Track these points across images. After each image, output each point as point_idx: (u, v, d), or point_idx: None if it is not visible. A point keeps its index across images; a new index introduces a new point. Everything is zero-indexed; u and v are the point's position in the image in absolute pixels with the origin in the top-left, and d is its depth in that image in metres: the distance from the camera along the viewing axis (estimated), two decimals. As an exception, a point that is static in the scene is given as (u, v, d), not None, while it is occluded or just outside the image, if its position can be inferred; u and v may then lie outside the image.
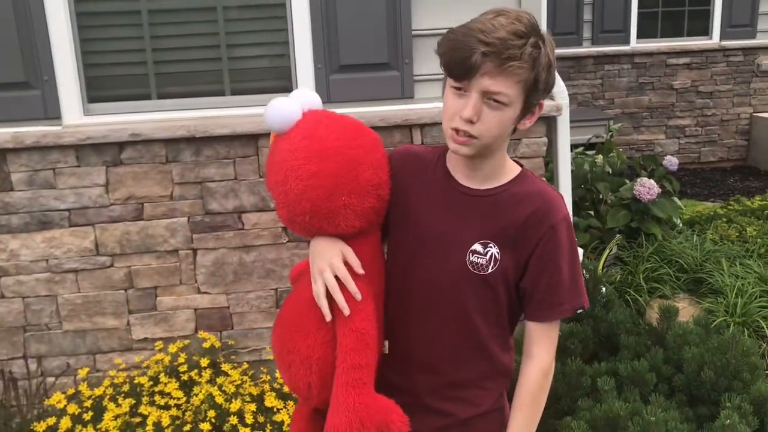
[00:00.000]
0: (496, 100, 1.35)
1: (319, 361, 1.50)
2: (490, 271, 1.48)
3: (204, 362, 3.11)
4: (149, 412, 2.86)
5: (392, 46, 3.22)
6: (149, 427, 2.78)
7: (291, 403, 2.99)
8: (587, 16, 7.73)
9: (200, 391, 2.94)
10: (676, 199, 5.00)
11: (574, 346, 2.94)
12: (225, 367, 3.12)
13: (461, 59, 1.32)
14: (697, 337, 2.93)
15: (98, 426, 2.83)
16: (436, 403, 1.57)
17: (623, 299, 3.97)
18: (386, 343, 1.58)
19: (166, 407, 2.93)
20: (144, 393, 3.01)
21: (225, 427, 2.80)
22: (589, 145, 5.82)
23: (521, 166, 1.57)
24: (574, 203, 3.87)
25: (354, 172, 1.46)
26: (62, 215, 3.19)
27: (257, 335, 3.37)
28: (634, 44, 7.86)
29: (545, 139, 3.38)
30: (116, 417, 2.85)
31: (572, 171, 3.79)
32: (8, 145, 3.08)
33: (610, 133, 5.72)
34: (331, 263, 1.47)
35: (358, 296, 1.46)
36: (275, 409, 2.93)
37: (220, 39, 3.27)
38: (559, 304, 1.51)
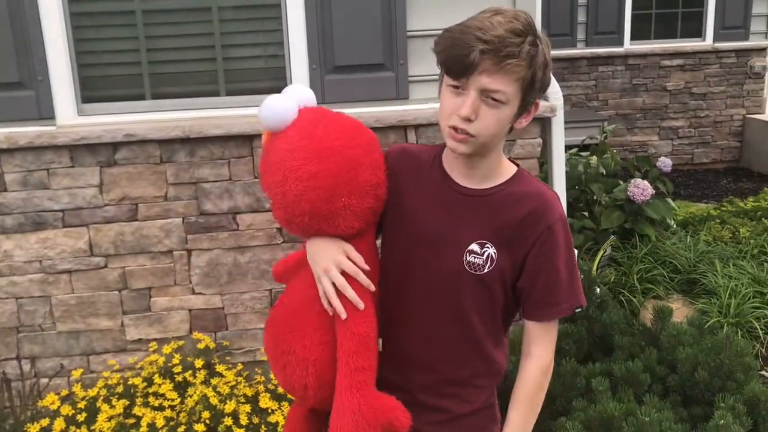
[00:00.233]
0: (494, 98, 1.35)
1: (316, 363, 1.49)
2: (486, 270, 1.48)
3: (198, 363, 3.11)
4: (143, 414, 2.85)
5: (387, 46, 3.22)
6: (143, 429, 2.77)
7: (286, 404, 2.98)
8: (581, 17, 7.75)
9: (195, 392, 2.93)
10: (669, 200, 5.01)
11: (568, 347, 2.95)
12: (219, 368, 3.12)
13: (459, 57, 1.32)
14: (690, 338, 2.94)
15: (92, 427, 2.83)
16: (431, 400, 1.58)
17: (617, 300, 3.99)
18: (379, 341, 1.58)
19: (161, 408, 2.93)
20: (138, 394, 3.01)
21: (219, 429, 2.79)
22: (583, 147, 5.83)
23: (517, 165, 1.57)
24: (569, 204, 3.87)
25: (353, 172, 1.44)
26: (56, 216, 3.19)
27: (252, 336, 3.37)
28: (628, 46, 7.89)
29: (540, 140, 3.39)
30: (110, 418, 2.85)
31: (566, 172, 3.79)
32: (2, 145, 3.07)
33: (604, 135, 5.73)
34: (336, 261, 1.47)
35: (372, 288, 1.48)
36: (270, 410, 2.93)
37: (215, 39, 3.27)
38: (557, 303, 1.52)
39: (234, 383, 3.05)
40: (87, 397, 3.01)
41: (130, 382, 3.08)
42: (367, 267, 1.49)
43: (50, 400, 2.97)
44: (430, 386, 1.58)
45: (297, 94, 1.52)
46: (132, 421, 2.87)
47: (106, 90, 3.28)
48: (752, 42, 7.94)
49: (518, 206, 1.48)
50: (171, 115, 3.24)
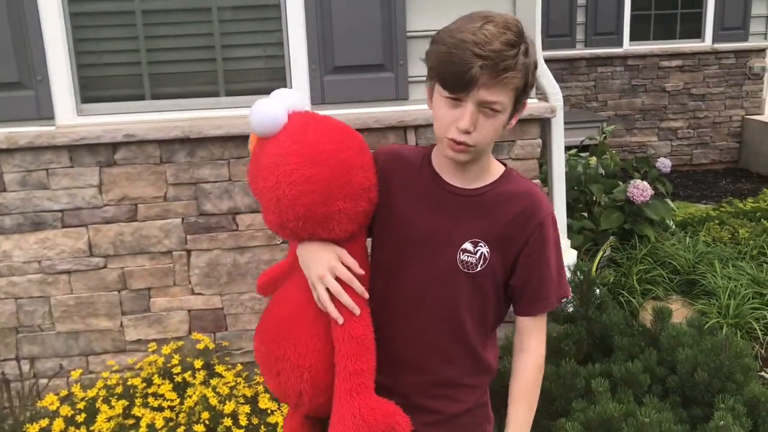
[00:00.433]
0: (492, 109, 1.37)
1: (311, 369, 1.49)
2: (479, 269, 1.49)
3: (198, 364, 3.11)
4: (143, 414, 2.85)
5: (387, 47, 3.22)
6: (143, 429, 2.77)
7: (285, 405, 2.98)
8: (580, 18, 7.75)
9: (194, 393, 2.93)
10: (668, 201, 5.02)
11: (568, 348, 2.94)
12: (219, 368, 3.11)
13: (458, 74, 1.32)
14: (690, 339, 2.94)
15: (91, 428, 2.82)
16: (423, 402, 1.58)
17: (617, 301, 3.99)
18: None
19: (160, 409, 2.92)
20: (137, 395, 3.00)
21: (219, 429, 2.79)
22: (583, 147, 5.84)
23: (504, 165, 1.58)
24: (568, 205, 3.87)
25: (347, 176, 1.44)
26: (55, 216, 3.18)
27: (251, 337, 3.34)
28: (627, 47, 7.90)
29: (539, 141, 3.39)
30: (109, 419, 2.84)
31: (566, 173, 3.80)
32: (1, 145, 3.06)
33: (604, 135, 5.74)
34: (331, 267, 1.46)
35: (366, 295, 1.47)
36: (269, 411, 2.93)
37: (215, 40, 3.27)
38: (548, 298, 1.55)
39: (233, 384, 3.05)
40: (86, 398, 3.01)
41: (129, 383, 3.08)
42: (361, 272, 1.49)
43: (49, 401, 2.97)
44: (421, 387, 1.58)
45: (285, 99, 1.50)
46: (131, 421, 2.87)
47: (106, 90, 3.28)
48: (751, 43, 7.95)
49: (509, 205, 1.50)
50: (171, 115, 3.24)
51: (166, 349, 3.20)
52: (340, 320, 1.45)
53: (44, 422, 2.87)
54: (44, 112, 3.12)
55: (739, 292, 3.91)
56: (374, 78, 3.25)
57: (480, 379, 1.63)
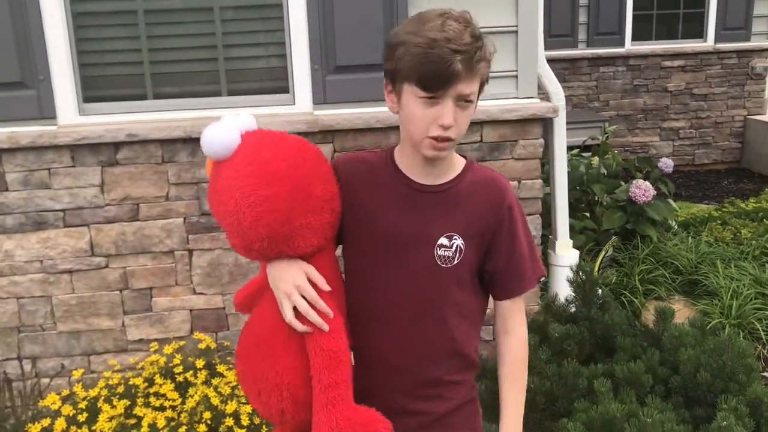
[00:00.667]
0: (466, 101, 1.41)
1: (289, 387, 1.48)
2: (456, 262, 1.52)
3: (199, 363, 3.10)
4: (144, 414, 2.85)
5: (389, 47, 3.21)
6: (144, 429, 2.77)
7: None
8: (582, 18, 7.75)
9: (196, 393, 2.93)
10: (671, 201, 5.01)
11: (570, 348, 2.94)
12: (220, 368, 3.11)
13: (439, 71, 1.34)
14: (692, 339, 2.94)
15: (93, 427, 2.82)
16: (411, 404, 1.58)
17: (619, 301, 3.98)
18: (350, 354, 1.58)
19: (162, 409, 2.92)
20: (139, 394, 3.00)
21: (221, 429, 2.79)
22: (585, 147, 5.83)
23: (464, 157, 1.61)
24: (570, 205, 3.86)
25: (306, 190, 1.43)
26: (57, 216, 3.18)
27: (253, 336, 3.36)
28: (629, 46, 7.89)
29: (542, 141, 3.39)
30: (111, 418, 2.84)
31: (568, 173, 3.79)
32: (3, 145, 3.06)
33: (606, 135, 5.73)
34: (297, 285, 1.46)
35: (331, 314, 1.46)
36: (271, 411, 2.92)
37: (217, 39, 3.27)
38: (524, 278, 1.60)
39: (235, 383, 3.04)
40: (88, 398, 3.00)
41: (131, 383, 3.07)
42: (328, 288, 1.48)
43: (51, 400, 2.96)
44: (407, 389, 1.58)
45: (237, 121, 1.49)
46: (133, 421, 2.87)
47: (108, 90, 3.28)
48: (754, 43, 7.93)
49: (477, 195, 1.54)
50: (172, 115, 3.24)
51: (167, 349, 3.19)
52: (309, 330, 1.45)
53: (46, 422, 2.87)
54: (46, 112, 3.12)
55: (742, 293, 3.90)
56: (376, 77, 3.21)
57: (466, 375, 1.64)
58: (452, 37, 1.33)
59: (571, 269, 3.28)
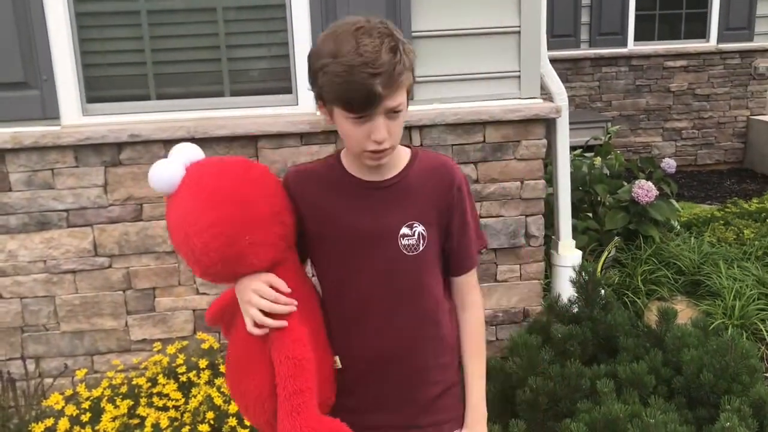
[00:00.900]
0: (395, 111, 1.44)
1: (270, 397, 1.51)
2: (422, 248, 1.57)
3: (202, 363, 3.11)
4: (147, 414, 2.85)
5: (392, 47, 3.21)
6: (147, 429, 2.77)
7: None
8: (585, 18, 7.74)
9: (199, 393, 2.93)
10: (673, 201, 5.00)
11: (573, 348, 2.94)
12: (223, 368, 3.11)
13: (361, 97, 1.37)
14: (695, 340, 2.93)
15: (96, 427, 2.82)
16: (402, 394, 1.63)
17: (621, 301, 3.98)
18: (337, 358, 1.62)
19: (165, 409, 2.92)
20: (142, 394, 3.00)
21: (224, 429, 2.79)
22: (587, 148, 5.82)
23: (409, 146, 1.65)
24: (573, 205, 3.86)
25: (250, 209, 1.47)
26: (60, 216, 3.19)
27: (256, 336, 3.36)
28: (632, 47, 7.88)
29: (544, 141, 3.39)
30: (114, 418, 2.84)
31: (571, 173, 3.79)
32: (7, 145, 3.07)
33: (608, 136, 5.72)
34: (255, 289, 1.49)
35: (294, 305, 1.49)
36: (274, 411, 2.92)
37: (220, 40, 3.27)
38: (473, 251, 1.68)
39: (238, 384, 3.04)
40: (91, 397, 3.01)
41: (134, 383, 3.08)
42: (288, 289, 1.51)
43: (54, 400, 2.97)
44: (396, 379, 1.62)
45: (183, 155, 1.55)
46: (136, 421, 2.87)
47: (111, 90, 3.29)
48: (756, 43, 7.92)
49: (429, 181, 1.59)
50: (176, 115, 3.24)
51: (170, 349, 3.20)
52: (273, 324, 1.48)
53: (49, 421, 2.88)
54: (49, 112, 3.13)
55: (745, 293, 3.90)
56: (379, 78, 3.24)
57: (449, 357, 1.69)
58: (369, 60, 1.35)
59: (574, 270, 3.28)
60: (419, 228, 1.57)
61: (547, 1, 3.57)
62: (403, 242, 1.56)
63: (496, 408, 2.90)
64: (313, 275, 1.68)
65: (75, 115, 3.18)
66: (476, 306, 1.71)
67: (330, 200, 1.58)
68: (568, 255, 3.70)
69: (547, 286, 3.84)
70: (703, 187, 7.42)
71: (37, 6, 3.04)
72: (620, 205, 4.60)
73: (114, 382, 3.11)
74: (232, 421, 2.79)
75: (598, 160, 5.09)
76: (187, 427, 2.79)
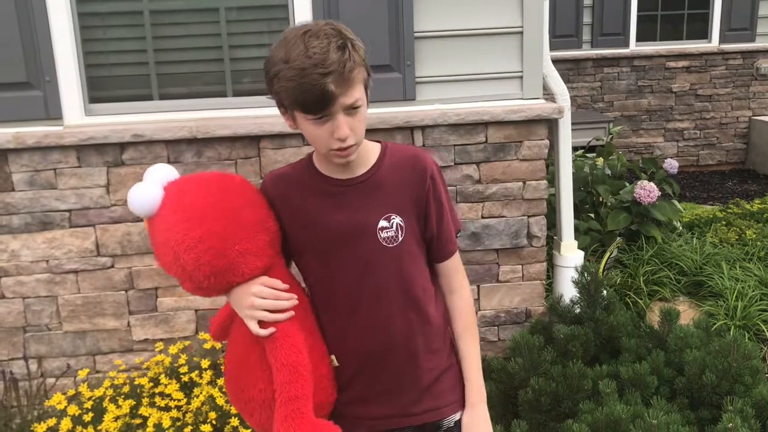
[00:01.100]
0: (354, 107, 1.48)
1: (274, 401, 1.54)
2: (401, 238, 1.61)
3: (205, 363, 3.11)
4: (150, 414, 2.85)
5: (394, 48, 3.22)
6: (150, 429, 2.77)
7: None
8: (587, 19, 7.74)
9: (201, 393, 2.93)
10: (675, 202, 5.00)
11: (575, 349, 2.94)
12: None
13: (315, 98, 1.41)
14: (698, 340, 2.93)
15: (98, 427, 2.83)
16: (398, 383, 1.66)
17: (623, 302, 3.97)
18: (333, 357, 1.64)
19: (167, 409, 2.92)
20: (144, 394, 3.01)
21: (226, 429, 2.79)
22: (589, 148, 5.82)
23: (378, 141, 1.68)
24: (575, 206, 3.86)
25: (235, 220, 1.50)
26: (63, 216, 3.19)
27: (258, 337, 3.36)
28: (634, 47, 7.88)
29: (546, 142, 3.39)
30: (116, 418, 2.84)
31: (573, 173, 3.79)
32: (9, 145, 3.07)
33: (610, 136, 5.72)
34: (254, 293, 1.53)
35: (295, 299, 1.55)
36: (276, 411, 2.92)
37: (222, 40, 3.27)
38: (452, 235, 1.71)
39: (240, 384, 3.04)
40: (93, 397, 3.01)
41: (136, 383, 3.08)
42: (285, 286, 1.56)
43: (57, 400, 2.97)
44: (391, 370, 1.65)
45: (158, 175, 1.56)
46: (138, 421, 2.87)
47: (114, 90, 3.29)
48: (758, 43, 7.91)
49: (401, 172, 1.63)
50: (178, 115, 3.25)
51: (173, 349, 3.20)
52: (279, 318, 1.52)
53: (52, 421, 2.88)
54: (52, 112, 3.13)
55: (747, 294, 3.89)
56: (382, 78, 3.24)
57: (440, 342, 1.71)
58: (318, 61, 1.39)
59: (576, 270, 3.29)
60: (397, 219, 1.60)
61: (549, 2, 3.58)
62: (382, 235, 1.59)
63: (498, 408, 2.90)
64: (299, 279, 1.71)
65: (77, 115, 3.18)
66: (463, 288, 1.74)
67: (307, 202, 1.62)
68: (571, 255, 3.70)
69: (549, 287, 3.84)
70: (705, 188, 7.42)
71: (40, 6, 3.04)
72: (622, 205, 4.60)
73: (116, 382, 3.12)
74: (234, 422, 2.79)
75: (600, 161, 5.08)
76: (189, 427, 2.79)
